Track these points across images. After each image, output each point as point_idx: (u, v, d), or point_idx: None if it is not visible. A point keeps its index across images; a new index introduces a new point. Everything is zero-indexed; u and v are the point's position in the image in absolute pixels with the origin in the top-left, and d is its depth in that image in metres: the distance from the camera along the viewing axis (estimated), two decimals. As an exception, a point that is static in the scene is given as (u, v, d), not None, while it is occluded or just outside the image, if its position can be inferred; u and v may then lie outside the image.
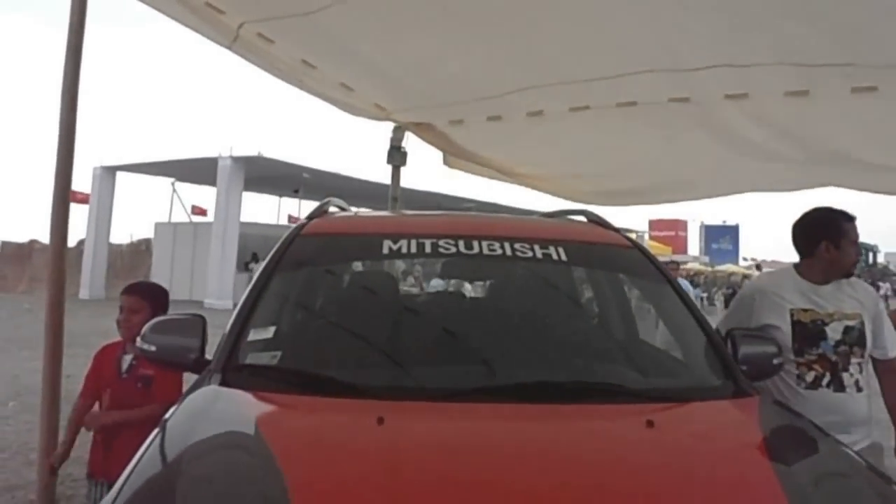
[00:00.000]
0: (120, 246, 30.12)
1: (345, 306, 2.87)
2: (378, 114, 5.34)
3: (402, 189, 6.04)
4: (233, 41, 4.09)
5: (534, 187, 6.41)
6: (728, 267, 40.77)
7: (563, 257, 2.69)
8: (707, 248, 45.22)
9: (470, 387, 2.07)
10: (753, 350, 2.49)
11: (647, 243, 30.37)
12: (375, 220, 3.32)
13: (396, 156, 5.73)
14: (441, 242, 2.67)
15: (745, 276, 38.58)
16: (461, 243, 2.66)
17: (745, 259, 48.09)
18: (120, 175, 25.63)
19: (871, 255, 60.54)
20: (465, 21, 3.69)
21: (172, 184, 26.94)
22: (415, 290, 6.37)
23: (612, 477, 1.66)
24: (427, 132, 5.56)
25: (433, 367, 2.30)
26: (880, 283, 38.59)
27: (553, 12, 3.48)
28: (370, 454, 1.70)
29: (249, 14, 3.87)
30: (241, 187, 22.39)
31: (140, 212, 59.84)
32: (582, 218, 3.28)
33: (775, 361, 2.51)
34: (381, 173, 6.17)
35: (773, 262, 46.65)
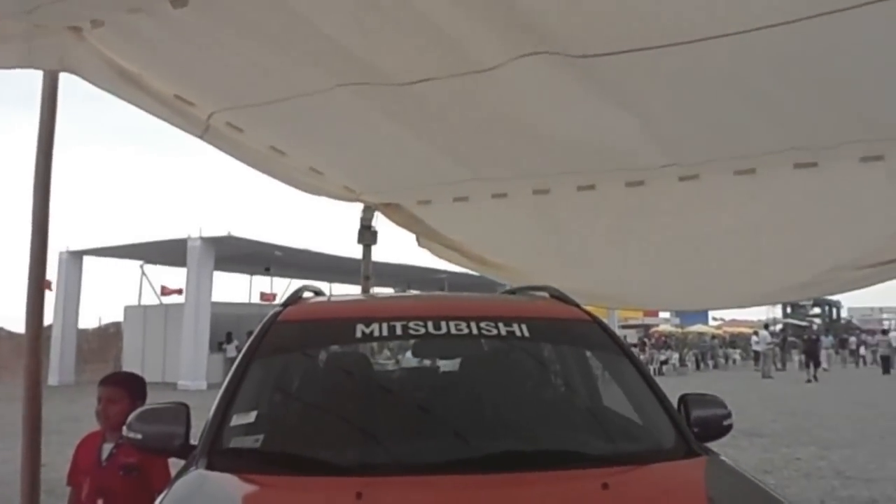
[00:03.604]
0: (87, 330, 29.62)
1: (322, 388, 3.02)
2: (347, 195, 5.49)
3: (375, 263, 6.16)
4: (204, 131, 4.22)
5: (505, 279, 6.52)
6: (698, 327, 41.10)
7: (526, 333, 2.87)
8: (678, 310, 45.58)
9: (442, 460, 2.26)
10: (705, 413, 2.69)
11: (621, 308, 30.53)
12: (347, 305, 3.47)
13: (367, 235, 5.86)
14: (411, 324, 2.85)
15: (714, 337, 38.94)
16: (430, 324, 2.84)
17: (714, 319, 48.56)
18: (87, 259, 25.41)
19: (834, 310, 61.51)
20: (429, 112, 3.87)
21: (141, 266, 26.77)
22: (390, 364, 6.42)
23: None
24: (395, 213, 5.71)
25: (406, 442, 2.47)
26: (846, 336, 39.06)
27: (514, 108, 3.68)
28: None
29: (218, 104, 4.00)
30: (212, 267, 22.33)
31: (108, 295, 59.09)
32: (544, 294, 3.45)
33: (725, 423, 2.70)
34: (352, 248, 6.29)
35: (732, 320, 47.35)
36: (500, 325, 2.86)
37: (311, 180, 5.11)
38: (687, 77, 3.24)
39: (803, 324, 41.51)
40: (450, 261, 6.20)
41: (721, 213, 4.69)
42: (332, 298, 3.58)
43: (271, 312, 3.05)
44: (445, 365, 3.65)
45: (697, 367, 32.58)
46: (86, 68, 3.52)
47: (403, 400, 2.93)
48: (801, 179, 4.16)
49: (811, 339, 27.00)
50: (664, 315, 42.79)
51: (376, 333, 2.83)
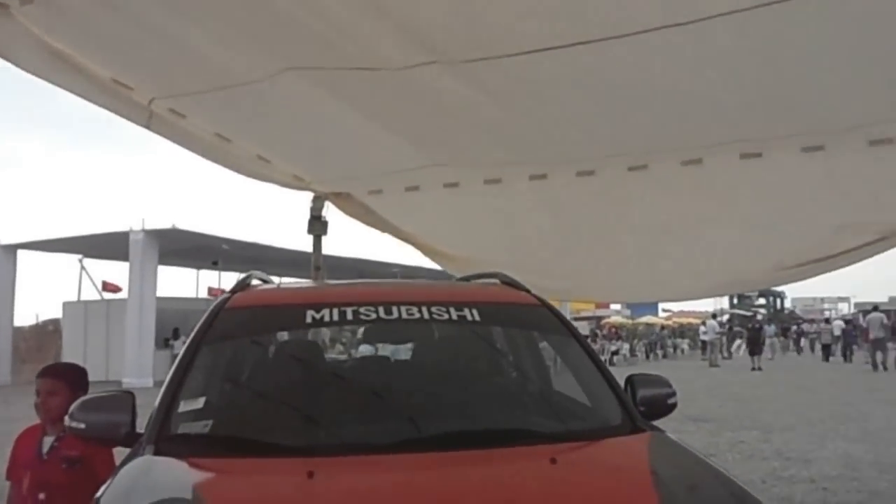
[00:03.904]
0: (23, 328, 28.70)
1: (272, 373, 2.99)
2: (296, 184, 5.43)
3: (326, 257, 6.09)
4: (148, 119, 4.12)
5: (458, 270, 6.51)
6: (648, 318, 41.88)
7: (477, 318, 2.90)
8: (629, 302, 46.35)
9: (393, 440, 2.27)
10: (650, 392, 2.79)
11: (571, 300, 30.88)
12: (297, 291, 3.44)
13: (317, 225, 5.80)
14: (362, 309, 2.84)
15: (663, 327, 39.71)
16: (381, 309, 2.84)
17: (664, 311, 49.52)
18: (21, 253, 24.47)
19: (778, 301, 63.27)
20: (380, 99, 3.85)
21: (80, 260, 25.97)
22: (343, 357, 6.40)
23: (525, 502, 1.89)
24: (346, 203, 5.67)
25: (357, 424, 2.48)
26: (794, 326, 40.19)
27: (466, 98, 3.69)
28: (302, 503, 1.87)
29: (158, 90, 3.91)
30: (156, 261, 21.73)
31: (46, 291, 57.35)
32: (495, 280, 3.48)
33: (670, 401, 2.81)
34: (304, 241, 6.22)
35: (681, 311, 48.40)
36: (452, 309, 2.88)
37: (258, 168, 5.04)
38: (633, 69, 3.29)
39: (749, 314, 42.59)
40: (409, 244, 6.19)
41: (671, 203, 4.77)
42: (282, 285, 3.54)
43: (219, 299, 3.02)
44: (396, 350, 3.67)
45: (647, 356, 33.18)
46: (15, 50, 3.39)
47: (353, 382, 2.93)
48: (747, 170, 4.26)
49: (755, 329, 27.68)
50: (615, 307, 43.53)
51: (327, 319, 2.82)
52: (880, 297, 44.88)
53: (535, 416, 2.78)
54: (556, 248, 5.42)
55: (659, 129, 4.03)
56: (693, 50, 3.05)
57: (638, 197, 4.68)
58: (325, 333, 3.63)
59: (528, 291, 3.28)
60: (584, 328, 34.11)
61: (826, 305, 70.07)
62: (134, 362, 20.78)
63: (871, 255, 4.49)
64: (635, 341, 34.23)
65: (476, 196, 5.07)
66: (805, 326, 39.14)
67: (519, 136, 4.25)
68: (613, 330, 34.76)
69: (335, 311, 2.84)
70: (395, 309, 2.84)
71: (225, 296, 3.04)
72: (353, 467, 2.12)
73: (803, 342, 36.85)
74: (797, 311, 62.36)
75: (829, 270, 4.86)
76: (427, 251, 5.96)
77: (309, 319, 2.82)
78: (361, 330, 3.47)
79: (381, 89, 3.64)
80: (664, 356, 34.34)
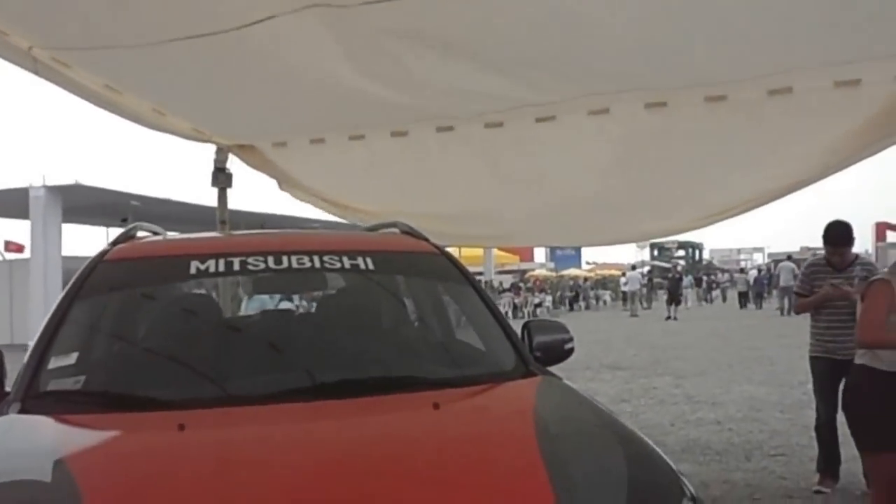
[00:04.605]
0: None
1: (150, 327, 2.87)
2: (198, 136, 5.20)
3: (239, 212, 5.91)
4: (35, 65, 3.86)
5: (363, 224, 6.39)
6: (571, 271, 42.73)
7: (371, 266, 2.85)
8: (553, 255, 47.12)
9: (271, 390, 2.23)
10: (546, 338, 2.82)
11: (495, 253, 31.20)
12: (183, 243, 3.29)
13: (221, 177, 5.59)
14: (250, 260, 2.75)
15: (586, 279, 40.63)
16: (270, 259, 2.76)
17: (587, 263, 50.65)
18: None
19: (697, 252, 65.44)
20: (276, 53, 3.68)
21: (-22, 220, 24.63)
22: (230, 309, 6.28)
23: (393, 451, 1.88)
24: (251, 155, 5.47)
25: (233, 376, 2.41)
26: (704, 277, 41.60)
27: (363, 49, 3.59)
28: (169, 457, 1.84)
29: (34, 39, 3.67)
30: (60, 219, 20.67)
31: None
32: (395, 230, 3.44)
33: (567, 347, 2.85)
34: (236, 200, 5.99)
35: (604, 263, 49.69)
36: (345, 258, 2.83)
37: (155, 120, 4.79)
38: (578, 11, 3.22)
39: (668, 265, 43.92)
40: (312, 205, 6.03)
41: (578, 151, 4.75)
42: (169, 237, 3.39)
43: (98, 251, 2.88)
44: (284, 301, 3.58)
45: (571, 308, 33.92)
46: None
47: (234, 334, 2.86)
48: (651, 120, 4.27)
49: (673, 279, 28.58)
50: (540, 260, 44.25)
51: (212, 270, 2.72)
52: (793, 248, 46.98)
53: (424, 363, 2.76)
54: (467, 198, 5.37)
55: (566, 78, 3.98)
56: None
57: (546, 146, 4.65)
58: (216, 285, 3.48)
59: (426, 240, 3.24)
60: (507, 282, 34.63)
61: (742, 256, 73.00)
62: (39, 324, 19.97)
63: (773, 200, 4.62)
64: (557, 293, 34.90)
65: (383, 149, 4.95)
66: (716, 277, 40.52)
67: (426, 86, 4.14)
68: (537, 282, 35.33)
69: (221, 261, 2.73)
70: (285, 259, 2.76)
71: (104, 248, 2.90)
72: (226, 419, 2.08)
73: (714, 293, 38.20)
74: (715, 262, 64.74)
75: (743, 213, 4.94)
76: (334, 205, 5.82)
77: (193, 271, 2.71)
78: (251, 281, 3.35)
79: (275, 40, 3.48)
80: (587, 307, 35.21)
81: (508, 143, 4.71)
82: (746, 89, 3.98)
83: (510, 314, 26.35)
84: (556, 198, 5.25)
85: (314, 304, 3.50)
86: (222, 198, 5.69)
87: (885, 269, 3.78)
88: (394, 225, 3.48)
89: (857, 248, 5.47)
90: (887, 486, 3.32)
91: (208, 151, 5.55)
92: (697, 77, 3.96)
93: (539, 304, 30.81)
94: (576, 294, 35.80)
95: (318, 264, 2.77)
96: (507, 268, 39.49)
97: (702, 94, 4.08)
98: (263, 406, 2.12)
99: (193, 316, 2.91)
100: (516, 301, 29.58)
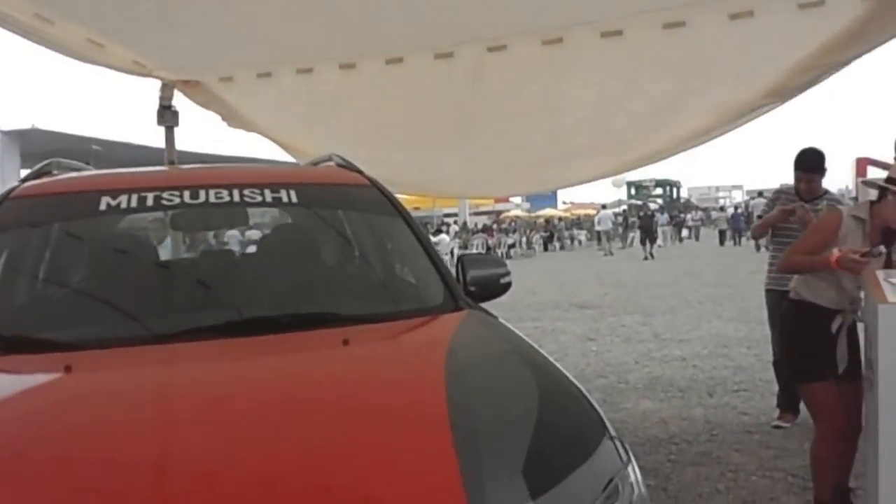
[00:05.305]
0: None
1: (47, 266, 2.73)
2: (139, 70, 4.93)
3: (189, 154, 5.69)
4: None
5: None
6: (547, 212, 42.70)
7: (294, 199, 2.73)
8: (528, 195, 47.00)
9: (172, 330, 2.13)
10: (480, 273, 2.70)
11: (447, 196, 30.92)
12: (95, 178, 3.11)
13: (167, 116, 5.33)
14: (165, 195, 2.62)
15: (561, 219, 40.64)
16: (186, 194, 2.64)
17: (563, 203, 50.63)
18: None
19: (674, 190, 65.67)
20: None
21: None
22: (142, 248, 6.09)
23: (287, 389, 1.82)
24: (197, 92, 5.22)
25: (131, 315, 2.31)
26: (685, 215, 41.68)
27: None
28: (49, 401, 1.79)
29: None
30: (18, 164, 20.23)
31: None
32: (330, 162, 3.30)
33: (503, 281, 2.73)
34: (186, 141, 5.75)
35: (580, 203, 49.70)
36: (267, 191, 2.70)
37: (90, 53, 4.52)
38: None
39: (642, 203, 44.01)
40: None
41: (535, 86, 4.58)
42: (86, 172, 3.21)
43: (6, 189, 2.75)
44: (200, 238, 3.45)
45: (545, 248, 33.97)
46: None
47: (138, 272, 2.69)
48: (608, 50, 4.10)
49: (647, 216, 28.62)
50: (515, 200, 44.07)
51: (124, 206, 2.58)
52: (772, 185, 47.12)
53: (343, 299, 2.65)
54: (416, 138, 5.18)
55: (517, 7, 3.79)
56: None
57: (498, 80, 4.47)
58: (138, 224, 3.30)
59: (360, 172, 3.10)
60: (481, 223, 34.56)
61: (721, 194, 73.53)
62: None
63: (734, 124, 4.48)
64: (531, 233, 34.87)
65: (331, 84, 4.74)
66: (686, 215, 40.57)
67: (372, 16, 3.93)
68: (511, 223, 35.30)
69: (134, 196, 2.59)
70: (202, 193, 2.63)
71: (11, 185, 2.77)
72: (118, 360, 2.00)
73: (685, 232, 38.25)
74: (693, 200, 65.02)
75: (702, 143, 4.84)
76: (285, 145, 5.62)
77: (103, 207, 2.56)
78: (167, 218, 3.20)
79: None
80: (561, 248, 35.26)
81: (459, 79, 4.51)
82: (710, 12, 3.82)
83: (484, 256, 26.26)
84: (511, 138, 5.08)
85: (216, 237, 3.34)
86: (169, 137, 5.44)
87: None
88: (329, 158, 3.33)
89: (838, 185, 5.41)
90: (824, 415, 3.31)
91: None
92: (654, 2, 3.78)
93: (512, 245, 30.78)
94: (550, 234, 35.79)
95: (237, 198, 2.65)
96: (482, 209, 39.40)
97: (659, 22, 3.91)
98: (160, 346, 2.04)
99: (96, 255, 2.77)
100: (489, 242, 29.50)
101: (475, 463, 1.51)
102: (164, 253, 3.48)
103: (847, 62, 3.77)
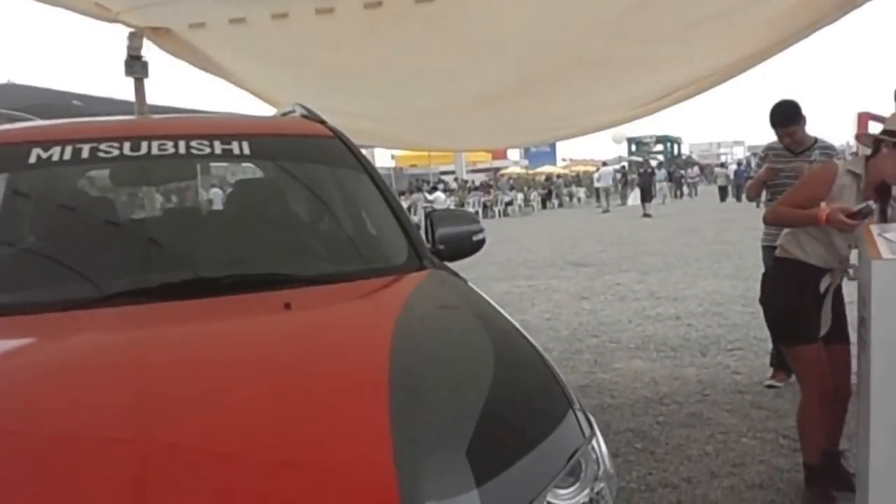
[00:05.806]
0: None
1: None
2: (103, 14, 4.65)
3: (161, 108, 5.44)
4: None
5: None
6: (546, 169, 42.26)
7: (247, 151, 2.53)
8: (526, 152, 46.47)
9: (104, 293, 1.99)
10: (450, 230, 2.51)
11: (466, 152, 30.56)
12: (28, 129, 2.90)
13: (136, 66, 5.05)
14: (102, 146, 2.42)
15: (560, 176, 40.24)
16: (126, 145, 2.43)
17: (563, 160, 50.09)
18: None
19: (675, 146, 64.96)
20: None
21: None
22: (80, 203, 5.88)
23: (210, 357, 1.70)
24: (167, 40, 4.94)
25: (67, 276, 2.17)
26: (683, 171, 41.32)
27: None
28: None
29: None
30: (-6, 120, 19.96)
31: None
32: (294, 112, 3.08)
33: (475, 238, 2.54)
34: (167, 95, 5.49)
35: (580, 160, 49.17)
36: (216, 143, 2.50)
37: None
38: None
39: (643, 160, 43.54)
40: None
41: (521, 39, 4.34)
42: (20, 123, 2.99)
43: None
44: (145, 193, 3.24)
45: (543, 206, 33.69)
46: None
47: (64, 231, 2.51)
48: None
49: (645, 174, 28.28)
50: (513, 157, 43.65)
51: (56, 158, 2.38)
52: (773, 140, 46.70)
53: (294, 259, 2.47)
54: (393, 87, 4.93)
55: None
56: None
57: (487, 23, 4.22)
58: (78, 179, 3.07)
59: (323, 122, 2.89)
60: (480, 180, 34.21)
61: (722, 150, 72.84)
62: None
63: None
64: (528, 190, 34.52)
65: (307, 29, 4.47)
66: (684, 172, 40.25)
67: None
68: (508, 180, 34.95)
69: (68, 148, 2.39)
70: (144, 144, 2.43)
71: None
72: (36, 326, 1.86)
73: (685, 188, 37.99)
74: (694, 157, 64.37)
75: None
76: (259, 95, 5.37)
77: (33, 159, 2.36)
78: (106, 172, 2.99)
79: None
80: (560, 205, 34.98)
81: (442, 22, 4.26)
82: None
83: (480, 214, 25.96)
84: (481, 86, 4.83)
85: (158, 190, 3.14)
86: (139, 89, 5.17)
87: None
88: (293, 110, 3.12)
89: (840, 140, 5.23)
90: (811, 377, 3.17)
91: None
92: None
93: (510, 203, 30.48)
94: (549, 191, 35.46)
95: (183, 150, 2.44)
96: (479, 166, 38.96)
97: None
98: (82, 311, 1.89)
99: (28, 212, 2.59)
100: (486, 200, 29.18)
101: (412, 431, 1.37)
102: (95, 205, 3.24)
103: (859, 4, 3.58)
